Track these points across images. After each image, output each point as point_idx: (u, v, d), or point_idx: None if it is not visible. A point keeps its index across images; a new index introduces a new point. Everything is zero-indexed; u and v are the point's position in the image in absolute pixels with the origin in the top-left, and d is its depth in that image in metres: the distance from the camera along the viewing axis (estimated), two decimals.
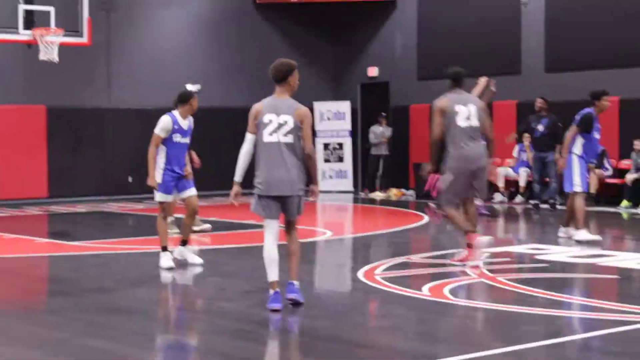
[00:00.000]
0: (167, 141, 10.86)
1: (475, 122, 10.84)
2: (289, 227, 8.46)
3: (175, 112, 10.97)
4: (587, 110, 13.07)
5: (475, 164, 10.77)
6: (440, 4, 22.57)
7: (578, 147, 12.99)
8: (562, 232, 13.39)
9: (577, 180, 12.95)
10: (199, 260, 11.10)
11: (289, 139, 8.23)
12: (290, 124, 8.23)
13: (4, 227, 15.52)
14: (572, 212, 13.16)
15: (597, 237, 13.08)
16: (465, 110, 10.80)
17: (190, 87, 22.70)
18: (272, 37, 24.05)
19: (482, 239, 10.94)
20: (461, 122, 10.75)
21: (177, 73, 22.48)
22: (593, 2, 19.81)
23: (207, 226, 14.80)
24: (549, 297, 8.89)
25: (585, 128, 12.95)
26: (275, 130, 8.24)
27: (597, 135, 13.13)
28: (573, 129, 13.01)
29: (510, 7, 21.09)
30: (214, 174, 21.52)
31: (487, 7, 21.60)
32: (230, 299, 9.00)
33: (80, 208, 19.43)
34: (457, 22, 22.13)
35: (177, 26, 22.90)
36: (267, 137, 8.26)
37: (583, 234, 12.97)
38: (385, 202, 21.04)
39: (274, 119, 8.25)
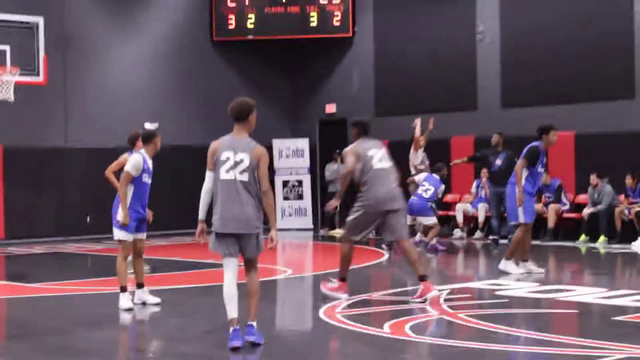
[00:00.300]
0: (135, 180, 10.77)
1: (388, 164, 11.19)
2: (248, 266, 8.42)
3: (143, 151, 10.89)
4: (534, 144, 13.38)
5: (387, 205, 11.02)
6: (397, 40, 22.71)
7: (522, 180, 13.24)
8: (521, 267, 13.47)
9: (521, 212, 13.21)
10: (156, 299, 11.00)
11: (245, 177, 8.23)
12: (247, 162, 8.23)
13: None
14: (524, 245, 13.43)
15: (522, 271, 13.32)
16: (378, 154, 11.17)
17: (148, 126, 22.67)
18: (230, 75, 24.06)
19: (334, 292, 11.20)
20: (377, 164, 11.09)
21: (135, 111, 22.43)
22: (548, 38, 20.02)
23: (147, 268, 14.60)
24: (509, 332, 8.90)
25: (531, 161, 13.24)
26: (232, 168, 8.24)
27: (541, 169, 13.45)
28: (521, 162, 13.26)
29: (466, 43, 21.27)
30: (173, 213, 21.47)
31: (444, 43, 21.76)
32: (190, 340, 8.91)
33: (38, 249, 19.22)
34: (414, 58, 22.28)
35: (134, 64, 22.84)
36: (223, 175, 8.25)
37: (509, 265, 13.34)
38: None
39: (231, 157, 8.25)
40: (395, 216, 11.09)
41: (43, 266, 16.73)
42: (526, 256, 13.47)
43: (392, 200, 11.08)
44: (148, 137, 10.90)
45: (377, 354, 8.29)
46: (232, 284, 8.24)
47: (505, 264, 13.42)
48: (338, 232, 22.08)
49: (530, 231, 13.60)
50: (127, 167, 10.74)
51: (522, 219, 13.27)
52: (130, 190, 10.76)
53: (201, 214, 8.39)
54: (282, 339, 9.08)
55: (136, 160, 10.73)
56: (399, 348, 8.44)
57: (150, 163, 10.89)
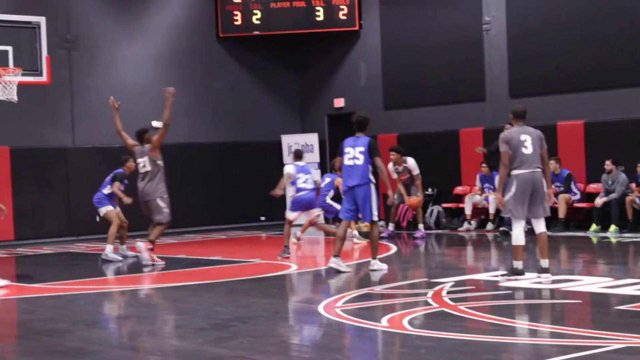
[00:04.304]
0: None
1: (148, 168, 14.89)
2: None
3: None
4: (368, 137, 13.11)
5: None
6: (404, 33, 22.55)
7: (373, 175, 13.09)
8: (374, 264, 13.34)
9: (375, 209, 13.02)
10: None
11: None
12: None
13: None
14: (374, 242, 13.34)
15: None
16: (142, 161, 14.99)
17: (155, 124, 22.75)
18: (237, 71, 23.93)
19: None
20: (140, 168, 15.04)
21: (141, 110, 22.38)
22: (555, 25, 19.82)
23: None
24: (509, 324, 8.74)
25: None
26: None
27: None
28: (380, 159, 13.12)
29: (473, 33, 21.08)
30: (181, 211, 21.34)
31: (450, 34, 21.58)
32: (184, 337, 8.81)
33: (47, 249, 19.19)
34: (421, 50, 22.10)
35: (141, 62, 22.75)
36: None
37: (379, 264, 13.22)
38: (363, 234, 20.82)
39: None
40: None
41: (50, 266, 16.68)
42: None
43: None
44: None
45: (371, 348, 8.16)
46: None
47: (377, 264, 13.22)
48: (350, 226, 21.98)
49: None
50: None
51: (376, 216, 13.05)
52: None
53: None
54: (277, 335, 8.94)
55: None
56: (394, 342, 8.31)
57: None
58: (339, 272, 13.06)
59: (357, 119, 13.17)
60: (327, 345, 8.26)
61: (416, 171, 18.54)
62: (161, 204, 15.05)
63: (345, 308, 9.95)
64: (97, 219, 19.76)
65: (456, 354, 7.61)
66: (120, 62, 22.48)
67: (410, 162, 18.56)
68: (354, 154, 12.97)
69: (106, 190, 16.48)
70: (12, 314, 11.22)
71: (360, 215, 13.19)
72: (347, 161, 13.03)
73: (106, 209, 16.47)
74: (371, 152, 12.90)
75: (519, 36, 20.36)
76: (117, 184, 16.24)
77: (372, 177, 13.03)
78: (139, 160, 15.28)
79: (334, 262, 13.20)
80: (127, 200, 16.15)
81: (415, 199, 18.16)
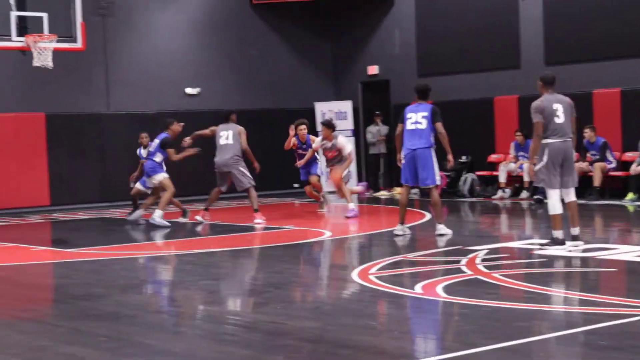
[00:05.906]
0: None
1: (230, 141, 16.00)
2: None
3: None
4: (431, 104, 13.45)
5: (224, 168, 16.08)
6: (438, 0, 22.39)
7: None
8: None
9: (437, 174, 13.36)
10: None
11: None
12: None
13: (4, 236, 15.42)
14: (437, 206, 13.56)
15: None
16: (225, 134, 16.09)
17: (189, 91, 22.80)
18: (271, 38, 23.89)
19: None
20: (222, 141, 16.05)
21: (175, 77, 22.45)
22: None
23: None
24: (543, 292, 8.72)
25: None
26: None
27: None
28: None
29: (509, 1, 20.88)
30: (215, 177, 21.43)
31: (485, 1, 21.39)
32: (219, 303, 8.87)
33: (82, 215, 19.33)
34: (456, 18, 21.94)
35: (175, 29, 22.75)
36: None
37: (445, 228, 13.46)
38: (390, 201, 20.85)
39: None
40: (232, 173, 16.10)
41: (86, 232, 16.83)
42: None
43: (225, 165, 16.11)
44: None
45: (405, 314, 8.17)
46: None
47: (444, 229, 13.42)
48: (384, 194, 21.98)
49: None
50: None
51: (438, 180, 13.35)
52: None
53: None
54: (309, 301, 8.98)
55: None
56: (429, 308, 8.31)
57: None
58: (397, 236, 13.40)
59: (419, 87, 13.57)
60: (360, 312, 8.27)
61: (347, 150, 17.35)
62: (244, 170, 16.18)
63: (379, 275, 9.96)
64: (131, 184, 19.88)
65: (489, 320, 7.60)
66: (154, 29, 22.49)
67: (341, 140, 17.46)
68: (416, 118, 13.22)
69: (157, 158, 16.35)
70: (49, 278, 11.34)
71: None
72: (409, 126, 13.28)
73: (162, 176, 16.35)
74: (434, 117, 13.15)
75: (555, 2, 20.14)
76: (170, 151, 16.18)
77: (433, 142, 13.25)
78: (222, 132, 16.12)
79: (400, 229, 13.54)
80: (193, 151, 16.57)
81: (337, 174, 17.11)
